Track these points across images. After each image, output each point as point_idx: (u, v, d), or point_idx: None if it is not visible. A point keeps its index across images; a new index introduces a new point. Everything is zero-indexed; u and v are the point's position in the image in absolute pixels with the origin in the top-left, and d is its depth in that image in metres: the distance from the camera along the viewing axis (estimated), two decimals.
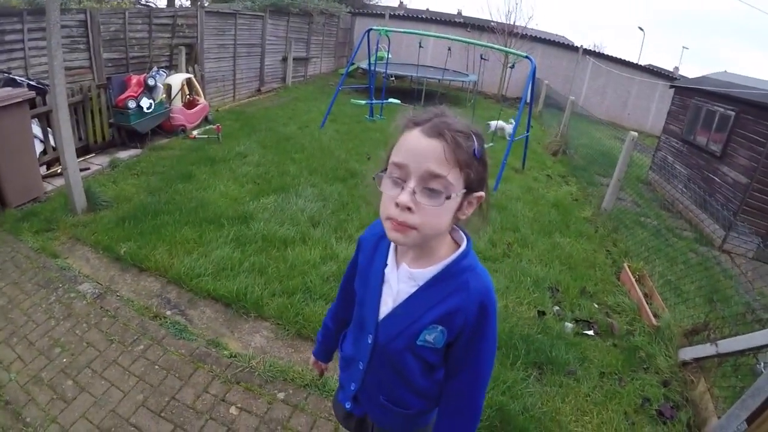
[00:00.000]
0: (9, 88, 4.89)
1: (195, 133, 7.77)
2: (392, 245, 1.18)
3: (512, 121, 10.03)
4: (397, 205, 0.95)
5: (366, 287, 1.22)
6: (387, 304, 1.15)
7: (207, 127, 8.13)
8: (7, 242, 4.13)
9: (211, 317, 3.38)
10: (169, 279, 3.75)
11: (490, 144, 8.10)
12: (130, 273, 3.84)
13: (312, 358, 1.67)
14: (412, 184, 0.94)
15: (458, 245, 1.12)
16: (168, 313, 3.37)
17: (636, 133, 6.10)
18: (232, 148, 7.19)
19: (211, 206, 4.98)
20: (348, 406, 1.35)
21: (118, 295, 3.53)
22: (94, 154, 6.46)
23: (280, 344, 3.16)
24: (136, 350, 2.96)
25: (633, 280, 4.39)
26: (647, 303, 4.03)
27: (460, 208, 1.01)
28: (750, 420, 2.46)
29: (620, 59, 18.07)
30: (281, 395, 2.71)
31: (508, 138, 8.43)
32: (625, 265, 4.67)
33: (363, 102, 10.85)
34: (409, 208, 0.94)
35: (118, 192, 5.25)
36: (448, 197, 0.94)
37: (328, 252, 4.30)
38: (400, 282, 1.13)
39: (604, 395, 2.98)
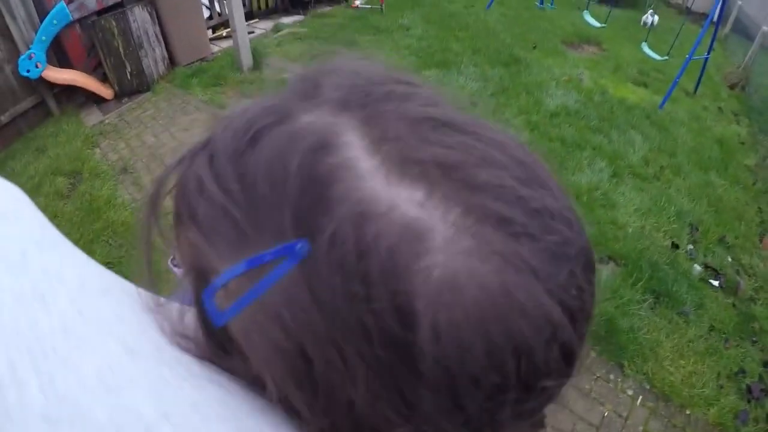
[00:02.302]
0: None
1: (358, 2, 7.64)
2: None
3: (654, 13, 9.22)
4: None
5: None
6: None
7: None
8: (177, 95, 4.48)
9: None
10: None
11: (665, 57, 6.92)
12: None
13: None
14: None
15: None
16: None
17: None
18: (395, 20, 6.99)
19: None
20: None
21: None
22: (257, 20, 6.66)
23: None
24: None
25: None
26: None
27: None
28: None
29: None
30: None
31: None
32: None
33: None
34: None
35: (283, 54, 5.37)
36: None
37: None
38: None
39: (706, 349, 2.78)
